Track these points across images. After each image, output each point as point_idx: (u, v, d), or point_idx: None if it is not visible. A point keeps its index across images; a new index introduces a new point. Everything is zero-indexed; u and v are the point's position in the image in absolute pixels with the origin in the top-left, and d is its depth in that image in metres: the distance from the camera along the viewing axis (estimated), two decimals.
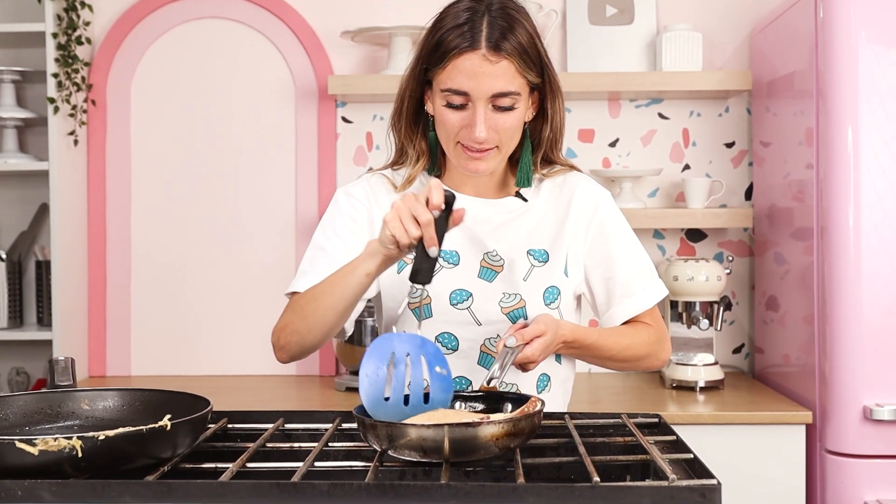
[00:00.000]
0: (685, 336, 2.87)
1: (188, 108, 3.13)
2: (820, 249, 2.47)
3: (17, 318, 3.06)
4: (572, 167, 1.80)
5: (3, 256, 3.03)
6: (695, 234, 3.11)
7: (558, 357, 1.76)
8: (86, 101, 3.05)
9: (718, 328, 2.84)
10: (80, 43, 2.95)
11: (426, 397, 1.41)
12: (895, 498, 2.36)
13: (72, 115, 2.97)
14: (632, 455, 1.30)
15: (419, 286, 1.45)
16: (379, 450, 1.29)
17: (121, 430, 1.20)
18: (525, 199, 1.76)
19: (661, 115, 3.12)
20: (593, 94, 3.00)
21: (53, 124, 2.90)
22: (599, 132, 3.13)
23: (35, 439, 1.17)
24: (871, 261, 2.38)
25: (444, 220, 1.44)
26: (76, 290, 3.05)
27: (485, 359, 1.69)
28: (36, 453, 1.17)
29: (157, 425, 1.23)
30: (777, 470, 2.51)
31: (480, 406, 1.47)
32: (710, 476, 1.17)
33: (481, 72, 1.57)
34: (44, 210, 3.12)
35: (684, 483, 1.12)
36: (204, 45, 3.12)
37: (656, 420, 1.50)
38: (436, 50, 1.61)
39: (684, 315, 2.84)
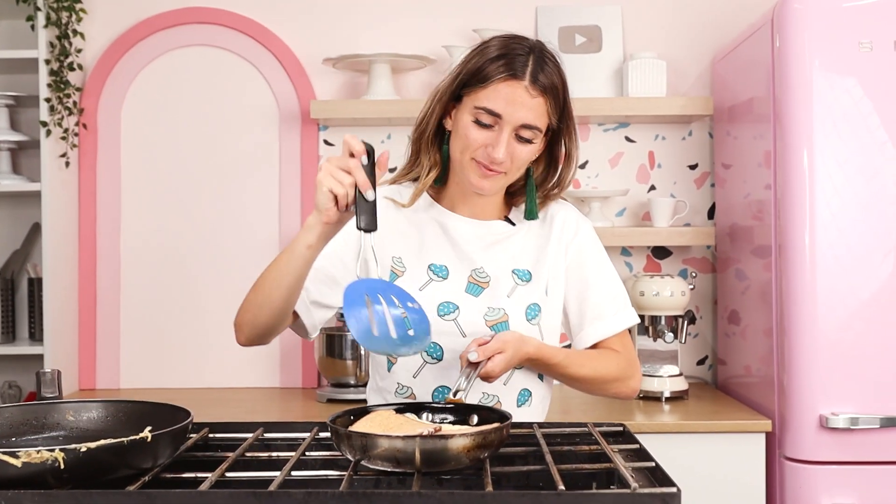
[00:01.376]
0: (651, 349, 2.87)
1: (176, 131, 3.12)
2: (778, 266, 2.48)
3: (9, 333, 3.02)
4: (561, 196, 1.82)
5: None
6: (660, 252, 3.12)
7: (541, 374, 1.77)
8: (77, 124, 3.03)
9: (683, 341, 2.84)
10: (71, 69, 2.93)
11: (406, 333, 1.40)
12: (850, 502, 2.36)
13: (63, 139, 2.94)
14: (597, 464, 1.29)
15: (368, 233, 1.42)
16: (353, 460, 1.27)
17: (102, 441, 1.18)
18: (513, 223, 1.79)
19: (627, 139, 3.13)
20: None
21: (46, 147, 2.88)
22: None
23: (18, 451, 1.15)
24: (826, 277, 2.39)
25: (371, 168, 1.44)
26: (67, 306, 3.02)
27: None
28: (19, 465, 1.15)
29: (137, 437, 1.21)
30: (738, 476, 2.51)
31: (450, 418, 1.46)
32: (671, 483, 1.16)
33: (519, 101, 1.62)
34: (36, 229, 3.09)
35: (646, 490, 1.12)
36: (191, 72, 3.11)
37: (621, 429, 1.49)
38: (479, 72, 1.64)
39: (650, 329, 2.84)
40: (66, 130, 2.94)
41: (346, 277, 1.68)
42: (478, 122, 1.64)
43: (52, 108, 2.89)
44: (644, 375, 2.83)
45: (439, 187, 1.79)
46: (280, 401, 2.90)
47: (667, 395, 2.78)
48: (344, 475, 1.25)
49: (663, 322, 2.82)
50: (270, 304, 1.60)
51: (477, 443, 1.23)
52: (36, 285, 3.02)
